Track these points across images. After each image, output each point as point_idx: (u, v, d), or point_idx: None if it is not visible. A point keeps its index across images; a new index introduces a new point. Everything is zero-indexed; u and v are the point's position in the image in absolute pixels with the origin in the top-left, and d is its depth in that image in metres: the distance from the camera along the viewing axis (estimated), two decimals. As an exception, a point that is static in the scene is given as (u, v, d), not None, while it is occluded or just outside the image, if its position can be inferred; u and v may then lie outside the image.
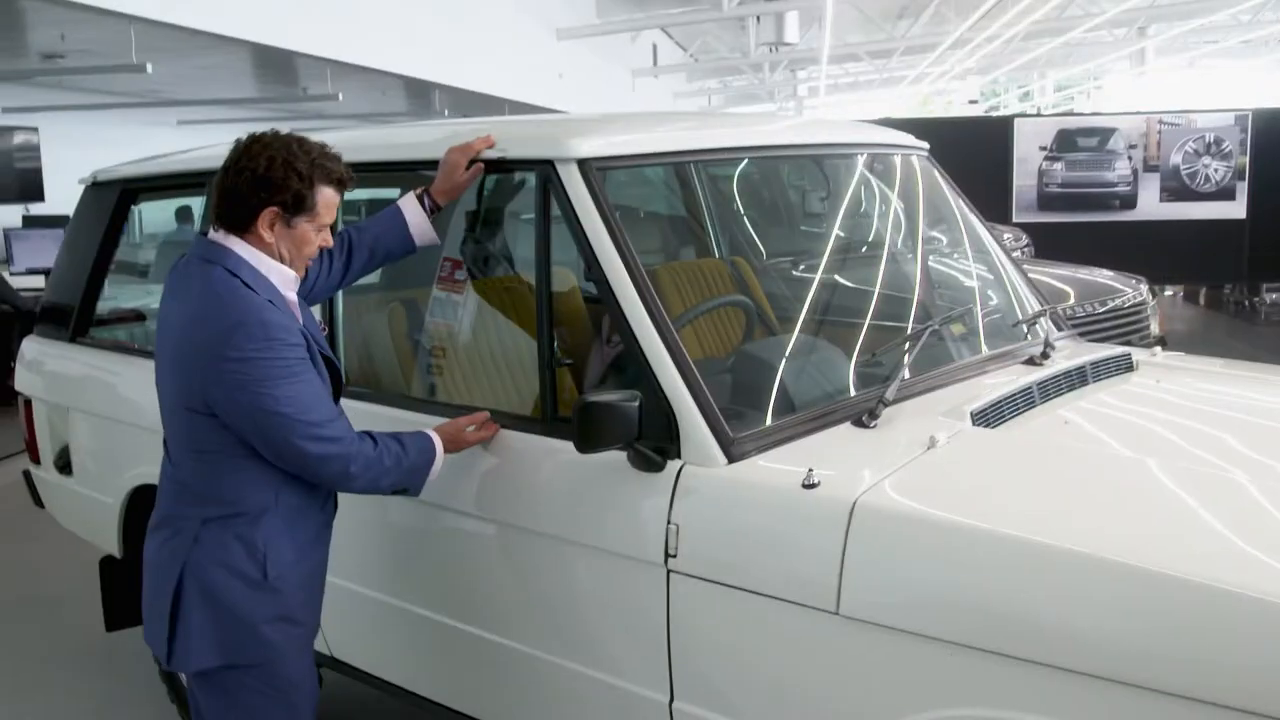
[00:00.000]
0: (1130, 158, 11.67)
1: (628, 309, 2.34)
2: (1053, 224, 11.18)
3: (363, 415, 2.80)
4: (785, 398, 2.53)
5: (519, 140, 2.60)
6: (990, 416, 2.43)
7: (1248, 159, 11.47)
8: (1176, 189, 11.63)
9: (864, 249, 3.37)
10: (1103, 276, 6.34)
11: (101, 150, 7.41)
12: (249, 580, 2.29)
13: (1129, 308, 5.85)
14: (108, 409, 3.59)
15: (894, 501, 2.03)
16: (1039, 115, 17.41)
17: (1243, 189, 11.52)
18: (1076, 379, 2.75)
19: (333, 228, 2.46)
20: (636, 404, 2.22)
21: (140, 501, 3.47)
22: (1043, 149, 11.71)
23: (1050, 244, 9.09)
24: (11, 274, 8.82)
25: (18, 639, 4.46)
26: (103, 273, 3.78)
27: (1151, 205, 11.67)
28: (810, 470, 2.11)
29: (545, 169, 2.49)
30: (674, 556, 2.23)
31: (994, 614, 1.87)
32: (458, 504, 2.63)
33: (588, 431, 2.20)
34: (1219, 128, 11.54)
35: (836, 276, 3.17)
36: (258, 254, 2.28)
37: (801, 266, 4.15)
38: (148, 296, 5.29)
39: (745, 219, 4.21)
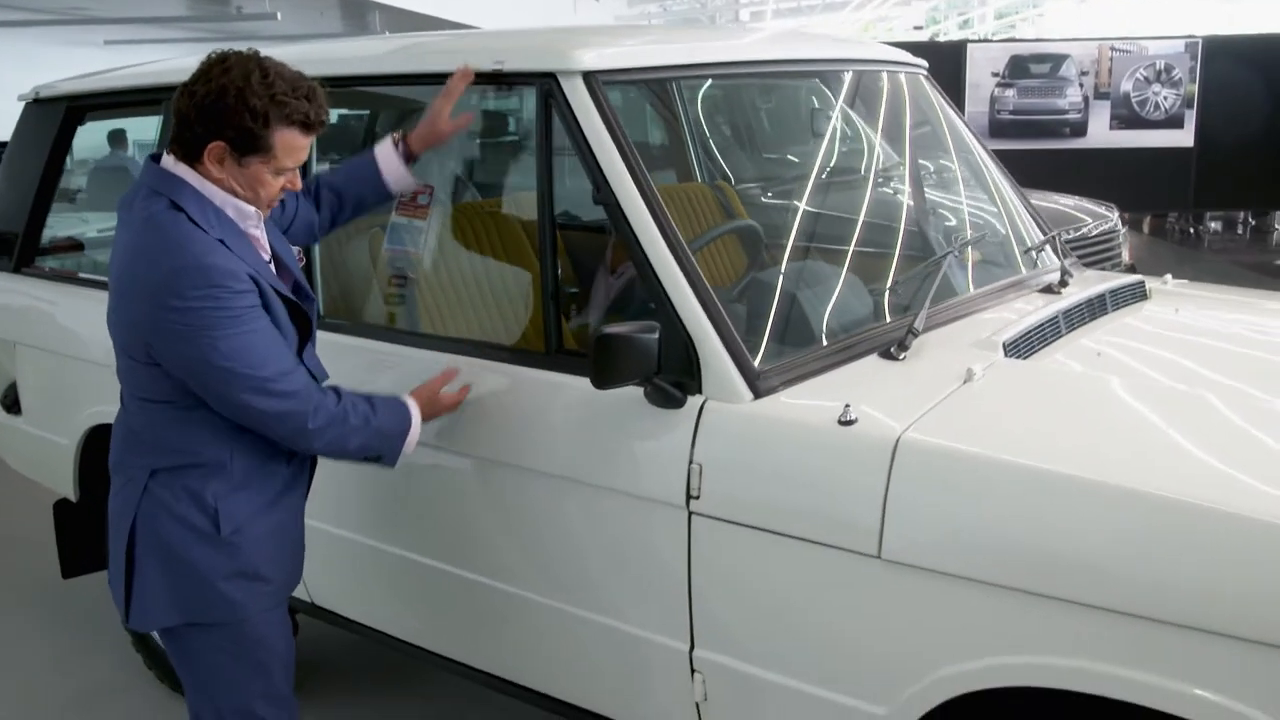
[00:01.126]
0: (1082, 85, 11.62)
1: (642, 234, 2.18)
2: (1004, 150, 11.08)
3: (345, 349, 2.63)
4: (806, 329, 2.39)
5: (518, 51, 2.40)
6: (1021, 347, 2.32)
7: (1197, 87, 11.46)
8: (1126, 117, 11.62)
9: (857, 173, 3.22)
10: (1071, 203, 6.28)
11: (24, 72, 7.00)
12: (202, 534, 2.11)
13: (1100, 235, 5.80)
14: (59, 344, 3.36)
15: (940, 438, 1.90)
16: (991, 41, 17.28)
17: (1191, 117, 11.53)
18: (1097, 308, 2.65)
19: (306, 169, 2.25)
20: (656, 336, 2.07)
21: (97, 442, 3.27)
22: (995, 75, 11.63)
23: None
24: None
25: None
26: (48, 198, 3.53)
27: (1102, 133, 11.65)
28: (847, 406, 1.98)
29: (547, 83, 2.30)
30: (696, 498, 2.10)
31: (1050, 556, 1.76)
32: (451, 443, 2.47)
33: (605, 366, 2.04)
34: (1169, 55, 11.51)
35: (828, 202, 3.02)
36: (207, 184, 2.04)
37: (770, 193, 4.01)
38: (83, 225, 5.01)
39: (721, 141, 4.05)
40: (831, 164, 3.17)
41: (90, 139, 8.50)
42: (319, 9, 12.81)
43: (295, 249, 2.40)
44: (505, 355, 2.44)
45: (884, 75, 3.21)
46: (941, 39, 31.11)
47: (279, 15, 10.71)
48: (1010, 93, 11.61)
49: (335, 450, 2.19)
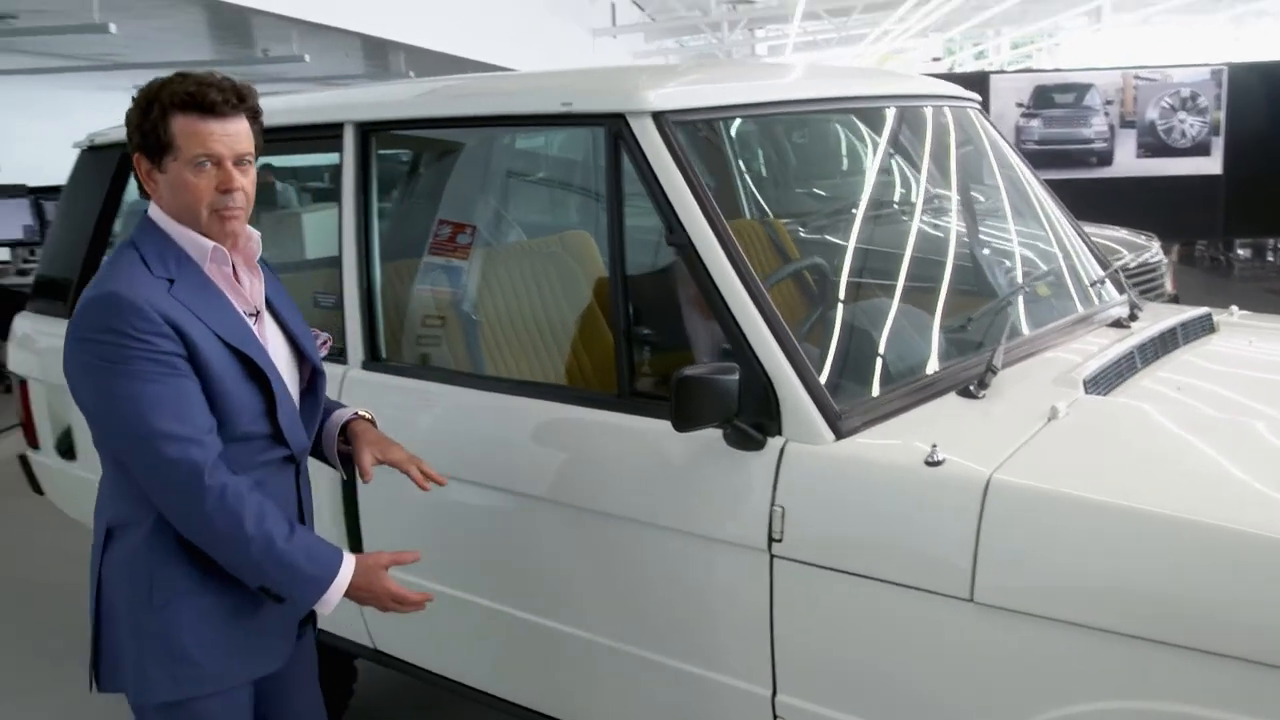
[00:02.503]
0: (1107, 113, 11.60)
1: (718, 276, 2.16)
2: (1031, 181, 11.09)
3: (407, 391, 2.62)
4: (885, 368, 2.37)
5: (586, 93, 2.39)
6: (1101, 384, 2.29)
7: (1223, 114, 11.43)
8: (1153, 145, 11.58)
9: (919, 208, 3.20)
10: (1110, 233, 6.24)
11: (57, 118, 7.10)
12: (138, 601, 1.92)
13: (1139, 266, 5.76)
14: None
15: (1031, 479, 1.87)
16: (1015, 71, 17.31)
17: (1218, 144, 11.48)
18: (1170, 342, 2.62)
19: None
20: (736, 378, 2.05)
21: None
22: (1020, 105, 11.62)
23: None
24: (-30, 247, 8.47)
25: (14, 629, 4.23)
26: (102, 244, 3.53)
27: (1128, 161, 11.62)
28: (934, 446, 1.95)
29: (616, 123, 2.29)
30: (779, 540, 2.07)
31: (1146, 598, 1.73)
32: (522, 486, 2.45)
33: (685, 408, 2.02)
34: (1195, 82, 11.48)
35: (893, 238, 3.00)
36: (170, 222, 1.91)
37: (814, 227, 3.99)
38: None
39: (775, 177, 4.04)
40: (885, 199, 3.16)
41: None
42: (344, 50, 12.89)
43: (321, 336, 2.24)
44: (576, 397, 2.42)
45: (935, 109, 3.20)
46: (956, 70, 31.20)
47: (306, 57, 10.79)
48: (1035, 123, 11.60)
49: (223, 553, 1.87)
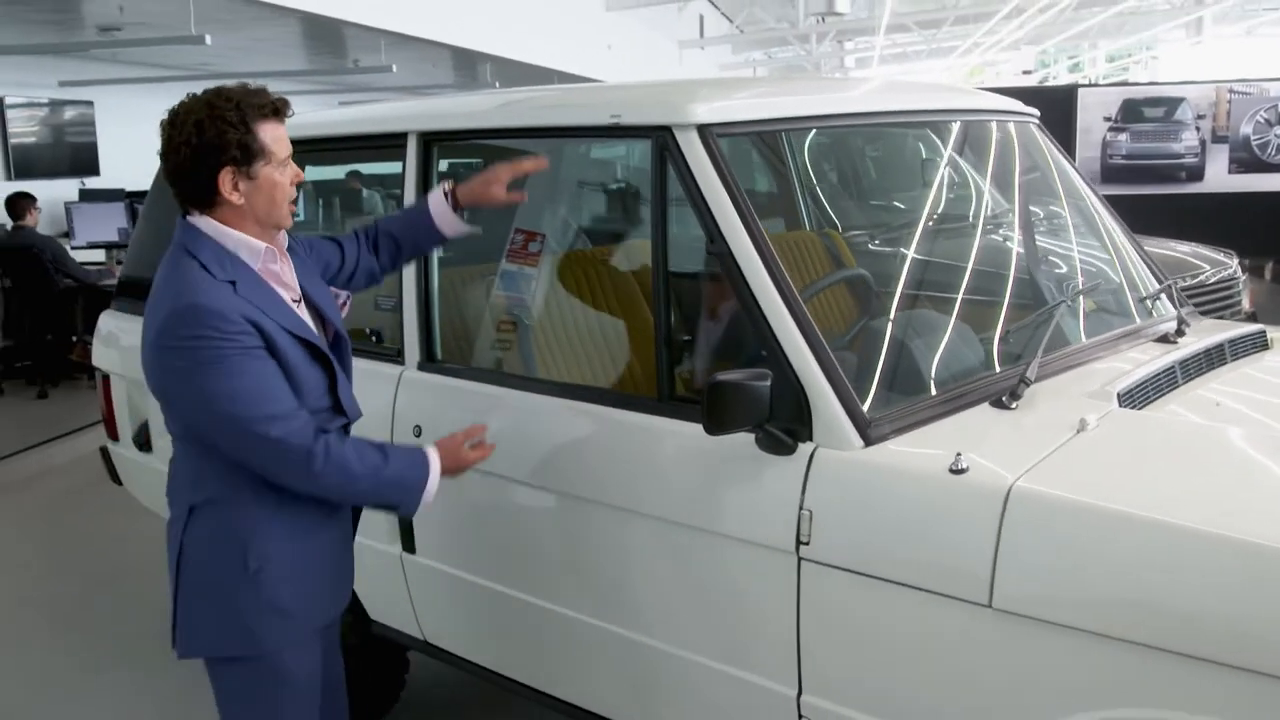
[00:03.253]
0: (1198, 128, 11.36)
1: (755, 284, 2.22)
2: (1118, 196, 10.87)
3: (460, 392, 2.71)
4: (918, 377, 2.40)
5: (633, 105, 2.47)
6: (1136, 397, 2.30)
7: (1321, 130, 11.13)
8: (1246, 160, 11.31)
9: (971, 221, 3.22)
10: (1188, 249, 6.15)
11: (155, 125, 7.36)
12: (230, 569, 2.15)
13: (1218, 283, 5.66)
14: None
15: (1052, 488, 1.90)
16: (1104, 85, 17.03)
17: (1314, 161, 11.18)
18: (1216, 358, 2.61)
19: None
20: (768, 384, 2.10)
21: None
22: (1107, 120, 11.43)
23: (1117, 218, 8.86)
24: (73, 248, 8.81)
25: (102, 614, 4.43)
26: (182, 246, 3.69)
27: (1220, 177, 11.36)
28: (959, 455, 1.98)
29: (663, 135, 2.36)
30: (806, 544, 2.12)
31: (1161, 609, 1.75)
32: (565, 486, 2.53)
33: (718, 412, 2.08)
34: (1292, 96, 11.20)
35: (938, 250, 3.02)
36: (223, 229, 2.12)
37: (878, 240, 4.01)
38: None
39: (833, 188, 4.07)
40: (940, 212, 3.18)
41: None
42: (432, 60, 13.15)
43: (341, 295, 2.49)
44: (618, 400, 2.49)
45: (994, 124, 3.21)
46: (1051, 83, 30.72)
47: (394, 67, 11.04)
48: (1123, 137, 11.40)
49: (342, 495, 2.21)
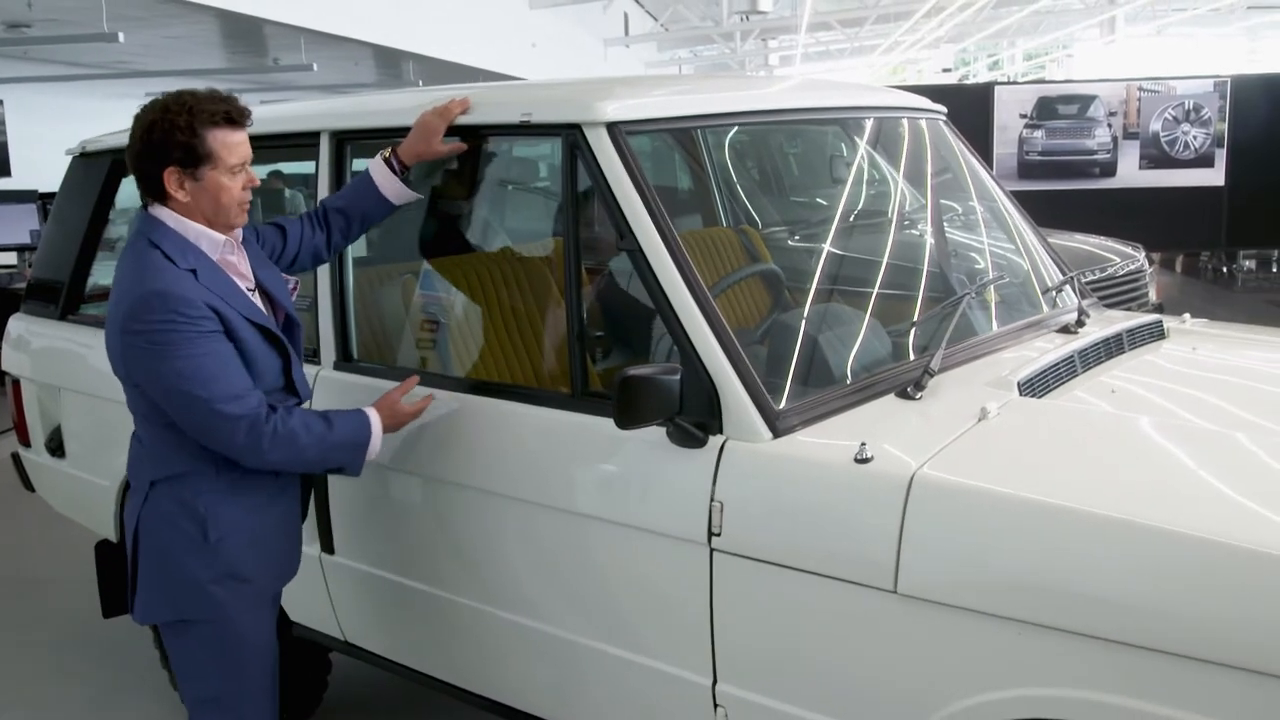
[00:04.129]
0: (1110, 125, 11.64)
1: (664, 279, 2.24)
2: (1033, 192, 11.11)
3: (376, 391, 2.70)
4: (825, 370, 2.45)
5: (544, 103, 2.48)
6: (1036, 386, 2.36)
7: (1226, 126, 11.46)
8: (1156, 156, 11.61)
9: (879, 216, 3.28)
10: (1097, 242, 6.30)
11: (69, 124, 7.25)
12: (191, 539, 2.31)
13: (1125, 275, 5.81)
14: (101, 389, 3.45)
15: (952, 475, 1.95)
16: (1019, 83, 17.37)
17: (1221, 156, 11.51)
18: (1114, 347, 2.69)
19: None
20: (678, 378, 2.14)
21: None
22: (1023, 116, 11.66)
23: (1031, 212, 9.03)
24: (-20, 250, 8.61)
25: (8, 623, 4.34)
26: (93, 248, 3.64)
27: (1131, 173, 11.64)
28: (863, 444, 2.03)
29: (573, 133, 2.38)
30: (718, 535, 2.15)
31: (1060, 591, 1.81)
32: (479, 481, 2.54)
33: (628, 406, 2.11)
34: (1198, 94, 11.51)
35: (850, 245, 3.08)
36: (183, 221, 2.27)
37: (797, 236, 4.07)
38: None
39: (747, 186, 4.12)
40: (854, 208, 3.23)
41: (130, 188, 8.73)
42: (354, 59, 13.05)
43: (290, 280, 2.57)
44: (533, 397, 2.51)
45: (905, 121, 3.28)
46: (971, 80, 31.22)
47: (315, 66, 10.94)
48: (1039, 134, 11.64)
49: (294, 464, 2.36)
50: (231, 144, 2.24)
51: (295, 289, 2.59)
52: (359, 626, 2.97)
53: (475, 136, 2.63)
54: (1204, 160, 11.56)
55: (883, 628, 2.00)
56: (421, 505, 2.72)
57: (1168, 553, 1.74)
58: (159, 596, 2.36)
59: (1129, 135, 11.62)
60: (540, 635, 2.49)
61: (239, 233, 2.36)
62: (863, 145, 3.31)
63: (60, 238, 3.73)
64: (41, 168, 10.26)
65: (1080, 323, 2.82)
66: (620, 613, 2.36)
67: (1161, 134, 11.57)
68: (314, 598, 3.00)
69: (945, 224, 3.27)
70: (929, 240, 3.17)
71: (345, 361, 2.87)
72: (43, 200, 9.00)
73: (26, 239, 8.89)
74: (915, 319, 2.66)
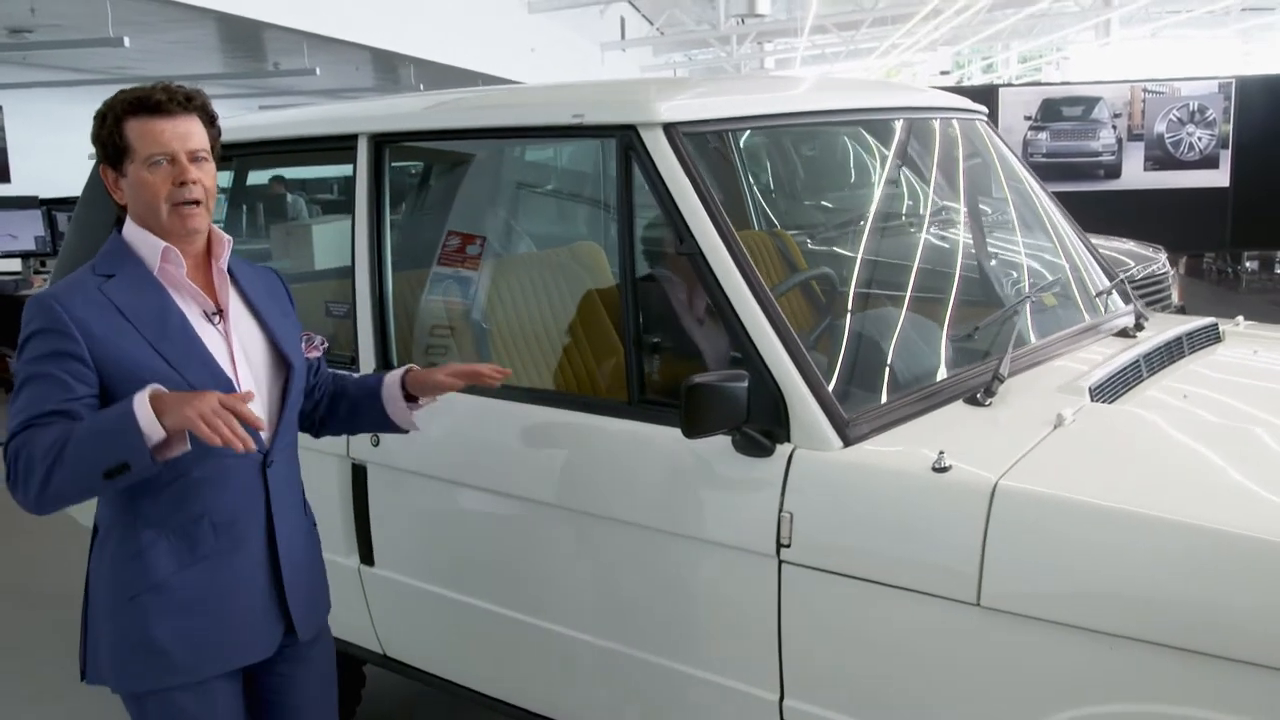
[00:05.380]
0: (1114, 127, 11.62)
1: (728, 284, 2.19)
2: (1039, 194, 11.08)
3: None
4: (892, 376, 2.39)
5: (597, 104, 2.42)
6: (1107, 391, 2.31)
7: (1231, 127, 11.44)
8: (1160, 158, 11.60)
9: (925, 218, 3.23)
10: (1117, 245, 6.26)
11: (68, 130, 7.18)
12: (115, 596, 1.98)
13: (1146, 278, 5.78)
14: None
15: (1036, 484, 1.90)
16: (1022, 85, 17.37)
17: (1226, 157, 11.50)
18: (1175, 351, 2.64)
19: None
20: (745, 385, 2.08)
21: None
22: (1028, 119, 11.64)
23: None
24: (-17, 257, 8.53)
25: (28, 640, 4.27)
26: (117, 253, 3.56)
27: (1136, 174, 11.63)
28: (941, 453, 1.97)
29: (628, 135, 2.33)
30: (787, 546, 2.09)
31: (1154, 602, 1.76)
32: (533, 492, 2.48)
33: (695, 415, 2.05)
34: (1203, 96, 11.50)
35: (897, 249, 3.02)
36: (130, 226, 2.00)
37: (820, 239, 4.01)
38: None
39: (784, 188, 4.06)
40: (893, 210, 3.18)
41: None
42: (354, 64, 12.99)
43: (316, 339, 2.26)
44: (587, 406, 2.45)
45: (945, 121, 3.22)
46: (967, 83, 31.23)
47: (317, 70, 10.87)
48: (1043, 136, 11.62)
49: (60, 482, 1.79)
50: (147, 133, 1.92)
51: (323, 347, 2.29)
52: (400, 640, 2.90)
53: (522, 138, 2.57)
54: (1209, 162, 11.55)
55: (964, 642, 1.94)
56: (469, 516, 2.66)
57: (1267, 563, 1.68)
58: (96, 658, 2.04)
59: (1134, 137, 11.62)
60: (596, 650, 2.43)
61: (222, 250, 2.03)
62: (900, 146, 3.26)
63: (82, 243, 3.65)
64: (41, 174, 10.21)
65: (1139, 326, 2.77)
66: (682, 626, 2.30)
67: (1166, 135, 11.56)
68: (351, 611, 2.93)
69: (991, 226, 3.22)
70: (974, 244, 3.12)
71: (385, 369, 2.81)
72: (46, 206, 8.93)
73: (31, 245, 8.82)
74: (971, 323, 2.60)
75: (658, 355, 2.42)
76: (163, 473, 1.86)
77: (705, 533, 2.20)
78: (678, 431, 2.10)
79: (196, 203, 1.95)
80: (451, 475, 2.59)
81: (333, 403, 2.32)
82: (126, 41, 7.76)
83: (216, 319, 2.02)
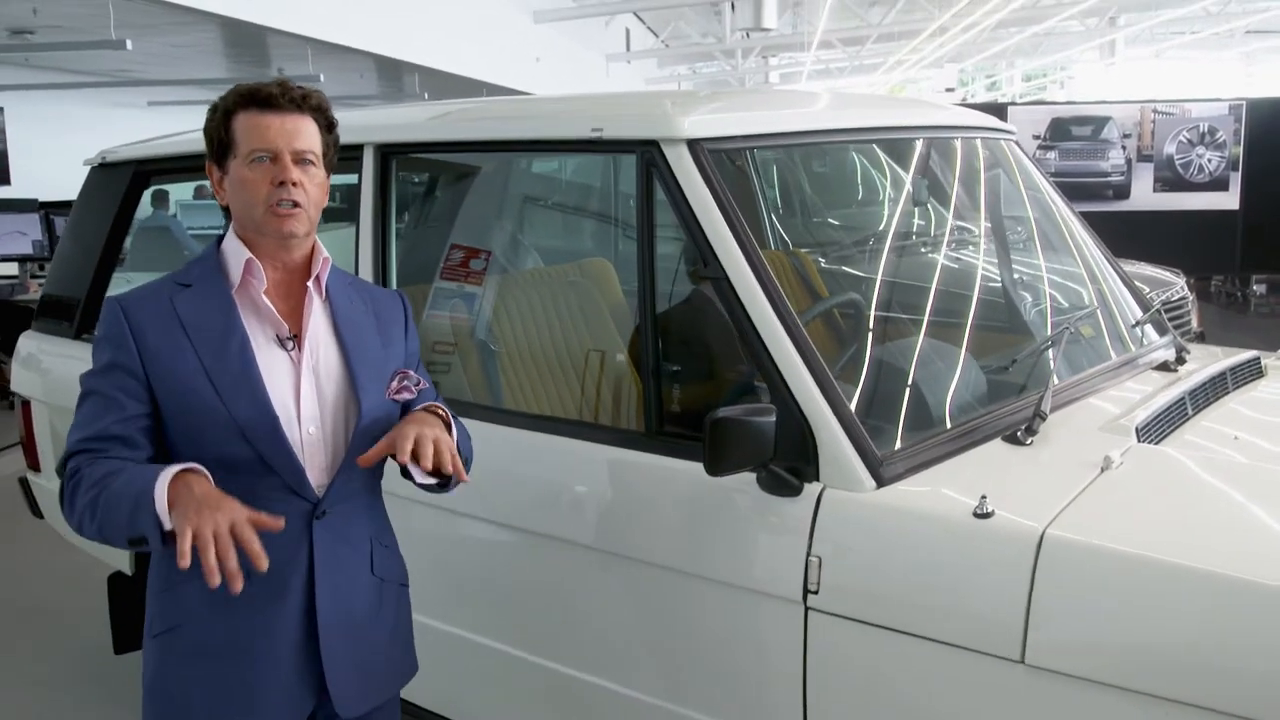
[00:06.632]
0: (1124, 147, 11.52)
1: (754, 311, 2.06)
2: (1047, 214, 10.98)
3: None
4: (926, 411, 2.26)
5: (617, 118, 2.30)
6: (1154, 431, 2.18)
7: (1241, 149, 11.34)
8: (1170, 179, 11.49)
9: (950, 242, 3.10)
10: (1134, 269, 6.14)
11: (71, 133, 7.07)
12: (149, 629, 1.85)
13: (1169, 303, 5.66)
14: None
15: (1087, 533, 1.76)
16: (1032, 103, 17.29)
17: (1236, 179, 11.39)
18: (1219, 387, 2.51)
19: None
20: (773, 419, 1.95)
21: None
22: (1036, 138, 11.53)
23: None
24: (-19, 262, 8.40)
25: (13, 655, 4.12)
26: (111, 263, 3.45)
27: (1145, 195, 11.52)
28: (983, 498, 1.84)
29: (649, 150, 2.20)
30: (814, 593, 1.96)
31: (1219, 668, 1.62)
32: (540, 526, 2.35)
33: (719, 451, 1.92)
34: (1213, 117, 11.40)
35: (919, 271, 2.89)
36: (230, 234, 1.86)
37: (835, 259, 3.88)
38: (126, 286, 4.94)
39: (802, 208, 3.94)
40: (920, 233, 3.06)
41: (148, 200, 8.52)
42: (358, 71, 12.89)
43: (415, 378, 1.94)
44: (601, 435, 2.32)
45: (969, 141, 3.10)
46: (969, 101, 31.18)
47: (321, 77, 10.75)
48: (1052, 155, 11.51)
49: (101, 535, 1.69)
50: (254, 127, 1.78)
51: (419, 389, 1.94)
52: (415, 682, 2.76)
53: (537, 151, 2.45)
54: (1218, 184, 11.44)
55: (1005, 702, 1.81)
56: (473, 548, 2.53)
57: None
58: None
59: (1143, 158, 11.51)
60: (610, 695, 2.29)
61: (300, 253, 1.85)
62: (930, 166, 3.13)
63: (76, 252, 3.53)
64: (41, 176, 10.08)
65: (1181, 360, 2.64)
66: (699, 673, 2.16)
67: (1176, 157, 11.45)
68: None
69: (1021, 251, 3.09)
70: (1003, 271, 2.99)
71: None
72: (45, 210, 8.81)
73: (29, 249, 8.69)
74: (1006, 355, 2.48)
75: (677, 384, 2.29)
76: None
77: (727, 575, 2.07)
78: (698, 465, 1.97)
79: (295, 204, 1.80)
80: (454, 505, 2.46)
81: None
82: (128, 44, 7.64)
83: (290, 344, 1.84)
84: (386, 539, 2.01)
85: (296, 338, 1.85)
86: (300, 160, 1.81)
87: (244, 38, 9.96)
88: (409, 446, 1.74)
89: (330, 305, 1.90)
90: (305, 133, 1.82)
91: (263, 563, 1.58)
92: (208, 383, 1.77)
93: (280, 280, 1.86)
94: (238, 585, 1.55)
